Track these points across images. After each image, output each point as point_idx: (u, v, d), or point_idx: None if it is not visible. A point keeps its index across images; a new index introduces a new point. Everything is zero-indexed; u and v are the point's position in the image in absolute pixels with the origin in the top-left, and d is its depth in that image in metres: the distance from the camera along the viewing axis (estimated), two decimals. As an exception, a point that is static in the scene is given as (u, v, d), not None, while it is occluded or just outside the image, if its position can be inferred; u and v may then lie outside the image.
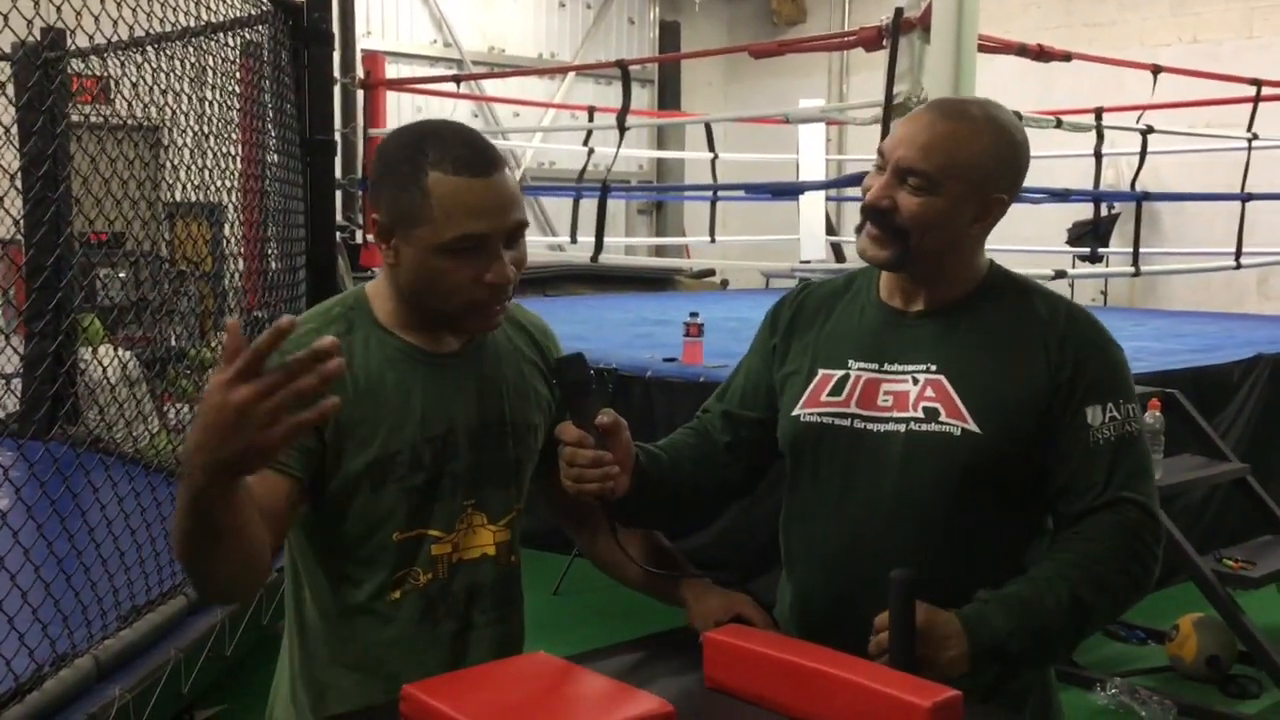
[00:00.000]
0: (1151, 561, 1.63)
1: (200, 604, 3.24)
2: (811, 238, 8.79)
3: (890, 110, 4.42)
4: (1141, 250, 6.18)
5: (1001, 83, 7.67)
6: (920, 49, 4.41)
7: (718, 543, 4.44)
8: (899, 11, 4.43)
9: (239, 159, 4.19)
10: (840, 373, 1.74)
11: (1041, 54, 4.97)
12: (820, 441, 1.73)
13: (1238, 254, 6.51)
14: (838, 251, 9.59)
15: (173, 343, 5.14)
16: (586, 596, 4.68)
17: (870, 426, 1.69)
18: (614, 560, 1.82)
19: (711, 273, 10.68)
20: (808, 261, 8.68)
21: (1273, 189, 6.88)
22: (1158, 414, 3.96)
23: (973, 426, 1.64)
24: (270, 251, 4.37)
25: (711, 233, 8.45)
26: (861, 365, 1.73)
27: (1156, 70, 6.34)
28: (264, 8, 4.14)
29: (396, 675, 1.54)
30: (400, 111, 9.35)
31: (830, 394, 1.73)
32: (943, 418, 1.65)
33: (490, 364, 1.71)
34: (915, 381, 1.69)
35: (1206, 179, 7.82)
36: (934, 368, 1.68)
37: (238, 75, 4.24)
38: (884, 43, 4.54)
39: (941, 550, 1.65)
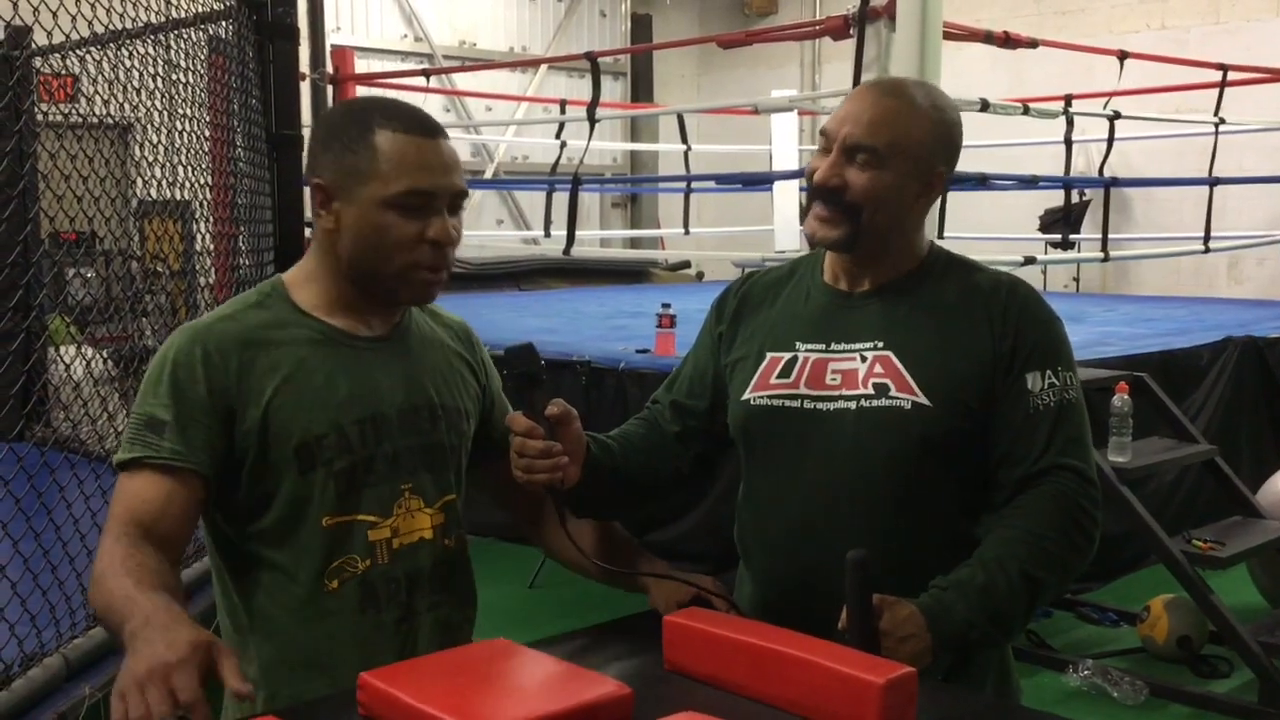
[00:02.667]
0: (1093, 528, 1.66)
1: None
2: (786, 228, 8.80)
3: (858, 99, 4.44)
4: (1112, 236, 6.22)
5: (972, 71, 7.74)
6: (886, 37, 4.43)
7: (690, 536, 4.45)
8: (865, 0, 4.45)
9: (208, 155, 4.17)
10: (788, 355, 1.75)
11: (1008, 41, 5.00)
12: (771, 424, 1.74)
13: (1206, 238, 6.56)
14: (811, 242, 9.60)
15: (144, 342, 5.11)
16: (562, 590, 4.68)
17: (820, 406, 1.70)
18: (568, 552, 1.80)
19: (687, 265, 10.69)
20: (782, 252, 8.70)
21: (1241, 173, 6.94)
22: (1125, 397, 3.99)
23: (922, 399, 1.66)
24: (241, 248, 4.35)
25: (685, 224, 8.46)
26: (809, 347, 1.75)
27: (1123, 56, 6.39)
28: (228, 3, 4.12)
29: (342, 669, 1.53)
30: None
31: (779, 376, 1.74)
32: (893, 392, 1.67)
33: (416, 349, 1.72)
34: (863, 359, 1.70)
35: (1176, 164, 7.87)
36: (881, 344, 1.70)
37: (204, 71, 4.21)
38: (850, 31, 4.56)
39: (896, 525, 1.67)
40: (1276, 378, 5.57)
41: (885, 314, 1.73)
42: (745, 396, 1.77)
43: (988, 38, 4.92)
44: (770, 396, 1.74)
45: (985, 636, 1.59)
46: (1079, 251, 8.07)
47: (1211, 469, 4.40)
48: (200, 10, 4.08)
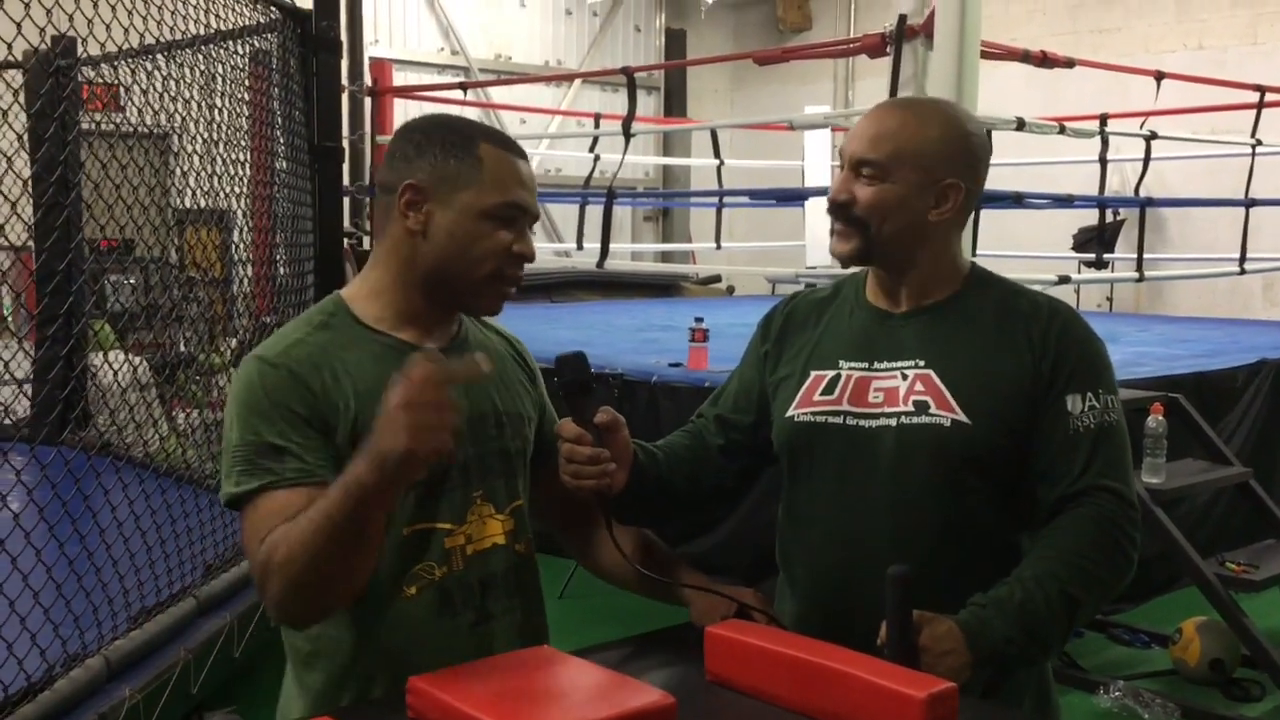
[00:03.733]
0: (1132, 549, 1.68)
1: (209, 605, 3.29)
2: (817, 244, 8.81)
3: (894, 117, 4.45)
4: (1146, 256, 6.20)
5: (1008, 90, 7.73)
6: (924, 55, 4.45)
7: (721, 548, 4.47)
8: (902, 19, 4.47)
9: (248, 165, 4.23)
10: (831, 373, 1.79)
11: (1045, 60, 5.00)
12: (814, 440, 1.77)
13: (1242, 260, 6.53)
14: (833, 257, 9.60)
15: (182, 348, 5.18)
16: (593, 600, 4.70)
17: (863, 423, 1.74)
18: (607, 563, 1.85)
19: (718, 279, 10.71)
20: (813, 268, 8.71)
21: (1277, 194, 6.91)
22: (1160, 418, 3.98)
23: (962, 417, 1.68)
24: (279, 257, 4.41)
25: (717, 239, 8.49)
26: (851, 365, 1.78)
27: (1160, 76, 6.38)
28: (273, 15, 4.19)
29: (421, 674, 1.55)
30: (407, 119, 9.39)
31: (823, 393, 1.78)
32: (932, 410, 1.70)
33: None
34: (904, 377, 1.73)
35: (1211, 184, 7.84)
36: (922, 363, 1.73)
37: (247, 83, 4.28)
38: (887, 49, 4.57)
39: (937, 540, 1.69)
40: (1313, 401, 5.54)
41: (927, 332, 1.76)
42: (790, 413, 1.80)
43: (1025, 57, 4.92)
44: (814, 413, 1.77)
45: (1023, 653, 1.61)
46: (1113, 271, 8.04)
47: (1245, 492, 4.39)
48: (245, 23, 4.15)
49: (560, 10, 11.47)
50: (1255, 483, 4.34)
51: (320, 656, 1.66)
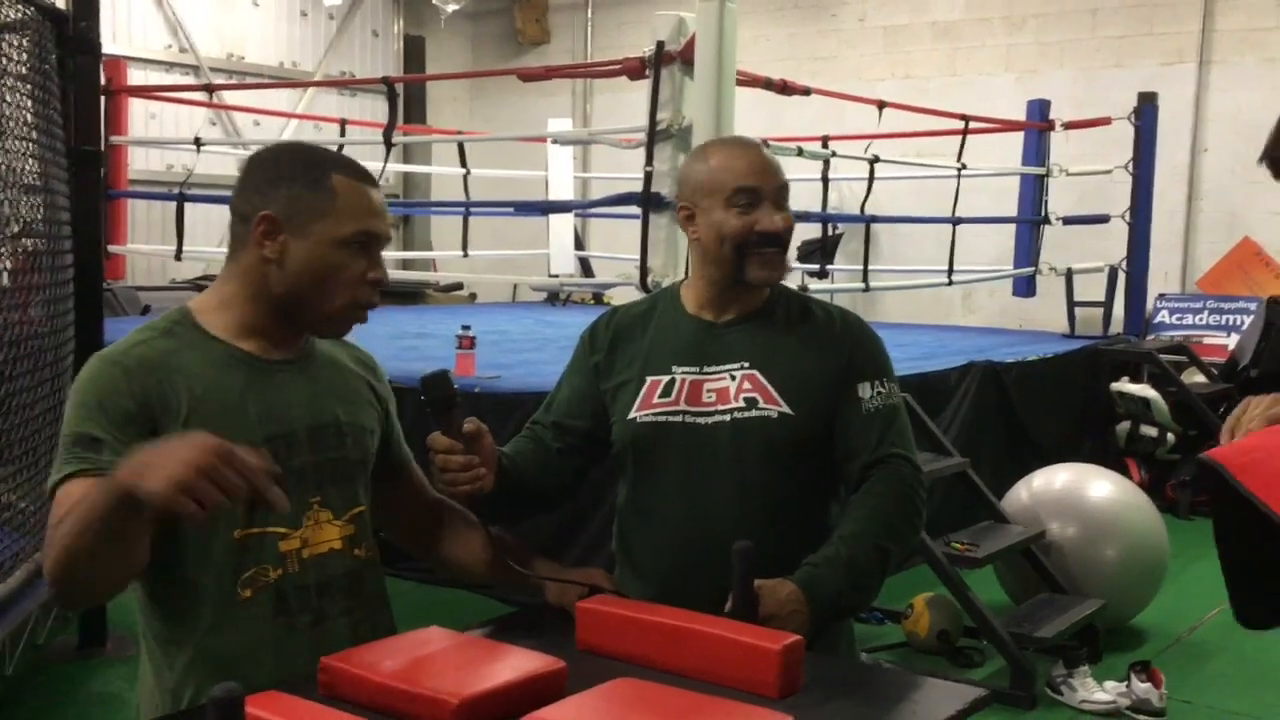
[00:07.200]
0: (923, 506, 2.01)
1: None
2: (561, 252, 9.08)
3: (654, 136, 4.73)
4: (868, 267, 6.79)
5: (735, 110, 8.20)
6: (680, 80, 4.74)
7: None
8: (660, 45, 4.74)
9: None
10: (666, 378, 2.02)
11: (786, 88, 5.41)
12: (657, 438, 2.00)
13: (950, 272, 7.23)
14: (585, 266, 9.92)
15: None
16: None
17: (700, 420, 1.98)
18: (460, 560, 1.98)
19: (460, 286, 10.80)
20: (556, 275, 8.97)
21: (972, 213, 7.67)
22: (894, 415, 4.41)
23: (786, 409, 1.96)
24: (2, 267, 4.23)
25: (464, 247, 8.60)
26: (684, 370, 2.02)
27: (882, 106, 6.98)
28: (27, 13, 4.04)
29: (258, 672, 1.63)
30: (133, 119, 9.02)
31: (661, 396, 2.01)
32: (761, 405, 1.96)
33: (320, 370, 1.84)
34: (733, 378, 1.99)
35: (916, 202, 8.58)
36: (747, 364, 1.99)
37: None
38: (646, 73, 4.84)
39: (771, 518, 1.95)
40: (1012, 398, 6.24)
41: (748, 339, 2.02)
42: (631, 415, 2.02)
43: (768, 84, 5.32)
44: (655, 414, 2.00)
45: (851, 604, 1.90)
46: (832, 281, 8.67)
47: (963, 479, 4.92)
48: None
49: (295, 11, 11.24)
50: (972, 471, 4.87)
51: (168, 651, 1.72)
